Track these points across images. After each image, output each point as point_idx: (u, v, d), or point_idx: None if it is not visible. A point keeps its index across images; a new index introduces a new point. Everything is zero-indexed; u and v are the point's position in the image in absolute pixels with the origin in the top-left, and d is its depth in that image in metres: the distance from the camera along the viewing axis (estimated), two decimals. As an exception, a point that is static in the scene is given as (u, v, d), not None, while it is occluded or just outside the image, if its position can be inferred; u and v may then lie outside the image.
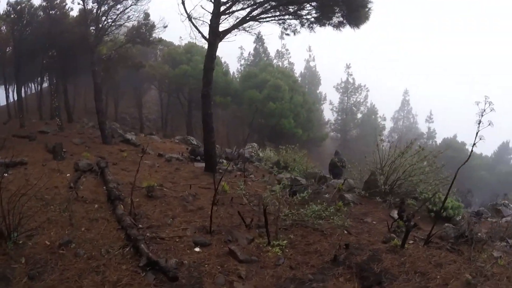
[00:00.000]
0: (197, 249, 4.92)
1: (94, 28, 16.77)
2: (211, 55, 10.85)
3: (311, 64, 46.15)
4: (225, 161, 13.84)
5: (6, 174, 7.42)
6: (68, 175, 8.09)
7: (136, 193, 6.43)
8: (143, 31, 19.27)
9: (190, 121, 30.06)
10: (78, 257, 4.38)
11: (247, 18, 11.12)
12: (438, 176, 8.96)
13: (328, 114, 45.88)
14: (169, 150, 15.53)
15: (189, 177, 9.97)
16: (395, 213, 7.33)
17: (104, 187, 7.18)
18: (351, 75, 42.81)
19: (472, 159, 33.06)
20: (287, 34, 12.37)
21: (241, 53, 42.44)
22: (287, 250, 5.19)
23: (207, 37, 10.85)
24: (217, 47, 10.88)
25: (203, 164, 12.07)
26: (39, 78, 27.28)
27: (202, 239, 5.18)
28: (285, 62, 41.91)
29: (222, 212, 6.62)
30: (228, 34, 11.04)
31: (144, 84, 32.00)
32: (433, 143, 45.26)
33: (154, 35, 20.04)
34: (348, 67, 42.68)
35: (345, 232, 6.04)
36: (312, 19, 11.41)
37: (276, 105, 27.83)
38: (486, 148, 45.04)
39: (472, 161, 31.47)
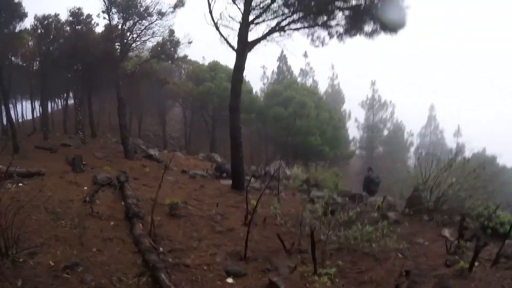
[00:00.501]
0: (229, 280, 4.06)
1: (119, 43, 16.68)
2: (239, 66, 10.30)
3: (335, 82, 45.26)
4: (252, 179, 13.02)
5: (21, 184, 6.88)
6: (85, 188, 7.46)
7: (157, 210, 5.65)
8: (168, 47, 19.05)
9: (214, 138, 29.57)
10: (84, 284, 3.60)
11: (277, 28, 10.60)
12: (485, 191, 8.15)
13: (353, 131, 44.52)
14: (193, 166, 14.90)
15: (215, 195, 9.22)
16: (446, 232, 6.56)
17: (123, 203, 6.45)
18: (376, 91, 41.59)
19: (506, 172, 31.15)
20: (316, 46, 11.71)
21: (264, 72, 41.93)
22: (337, 280, 4.30)
23: (235, 47, 10.33)
24: (246, 57, 10.32)
25: (229, 182, 11.34)
26: (65, 94, 27.57)
27: (236, 268, 4.32)
28: (309, 80, 41.29)
29: (256, 234, 5.73)
30: (256, 44, 10.54)
31: (168, 102, 31.96)
32: (462, 158, 42.47)
33: (178, 51, 19.82)
34: (373, 83, 41.57)
35: (400, 255, 5.11)
36: (342, 30, 10.78)
37: (302, 122, 26.91)
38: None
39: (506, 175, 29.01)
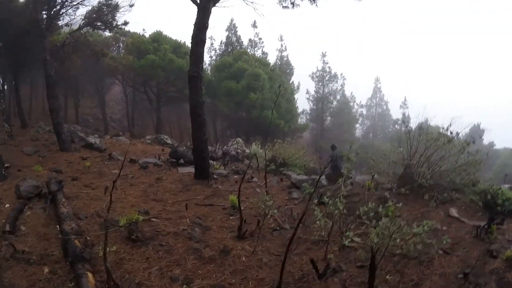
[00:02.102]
0: None
1: (45, 10, 13.90)
2: (202, 23, 8.32)
3: (284, 54, 43.82)
4: (214, 163, 11.34)
5: None
6: (6, 206, 5.28)
7: (111, 235, 3.80)
8: (105, 12, 15.87)
9: (159, 118, 26.99)
10: None
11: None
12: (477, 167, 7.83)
13: (303, 104, 44.16)
14: (141, 153, 12.68)
15: (178, 190, 7.52)
16: (454, 212, 6.18)
17: (58, 227, 4.43)
18: (327, 63, 41.11)
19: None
20: (286, 7, 10.06)
21: (211, 44, 39.00)
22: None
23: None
24: (210, 12, 8.31)
25: (189, 169, 9.62)
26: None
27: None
28: (259, 52, 39.16)
29: (261, 253, 4.15)
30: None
31: (106, 80, 28.33)
32: (409, 128, 45.08)
33: (118, 17, 16.66)
34: (324, 55, 40.94)
35: (441, 251, 4.36)
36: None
37: (257, 95, 25.33)
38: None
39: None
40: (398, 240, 4.03)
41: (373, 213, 4.88)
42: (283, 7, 9.99)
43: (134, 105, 29.99)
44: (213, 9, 8.51)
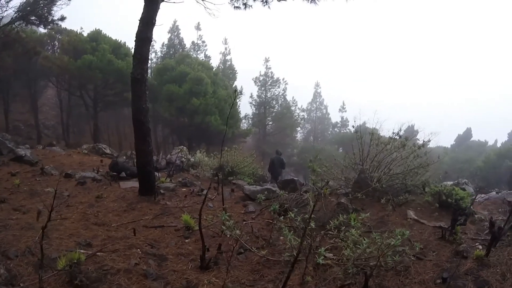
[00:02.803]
0: None
1: None
2: (149, 17, 7.30)
3: (227, 57, 43.43)
4: (159, 175, 10.41)
5: None
6: None
7: (49, 281, 2.95)
8: (41, 5, 13.91)
9: (97, 125, 24.85)
10: None
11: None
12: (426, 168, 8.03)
13: (247, 108, 44.19)
14: (78, 165, 11.24)
15: (122, 210, 6.62)
16: (412, 214, 6.21)
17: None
18: (269, 68, 41.65)
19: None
20: (237, 7, 9.60)
21: (152, 46, 37.03)
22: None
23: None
24: (159, 7, 7.44)
25: (133, 183, 8.67)
26: None
27: None
28: (201, 55, 38.18)
29: (232, 286, 3.54)
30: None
31: (39, 82, 25.64)
32: (347, 131, 47.92)
33: (54, 11, 14.87)
34: (267, 60, 41.46)
35: (413, 258, 4.22)
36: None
37: (200, 100, 24.46)
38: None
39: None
40: (375, 252, 3.80)
41: (337, 222, 4.61)
42: (234, 7, 9.40)
43: (70, 110, 27.37)
44: (162, 5, 7.66)
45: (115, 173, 9.76)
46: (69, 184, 8.50)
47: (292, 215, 4.30)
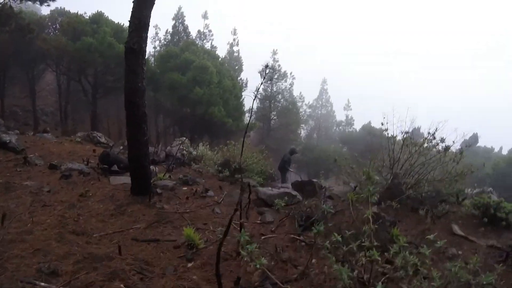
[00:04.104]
0: None
1: None
2: None
3: (234, 48, 42.04)
4: (157, 169, 9.17)
5: None
6: None
7: None
8: None
9: (95, 112, 23.66)
10: None
11: None
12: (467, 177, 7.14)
13: (251, 102, 42.83)
14: (67, 155, 9.95)
15: (108, 213, 5.38)
16: (457, 229, 5.40)
17: None
18: (277, 61, 40.32)
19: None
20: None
21: (156, 33, 35.46)
22: None
23: None
24: None
25: (125, 179, 7.27)
26: None
27: None
28: (208, 45, 36.70)
29: None
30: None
31: (38, 65, 24.40)
32: (353, 130, 46.86)
33: None
34: (274, 53, 40.14)
35: None
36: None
37: (203, 90, 23.13)
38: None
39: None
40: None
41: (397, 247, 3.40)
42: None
43: (69, 96, 26.12)
44: None
45: (106, 166, 8.50)
46: (53, 177, 7.24)
47: (339, 238, 3.09)
